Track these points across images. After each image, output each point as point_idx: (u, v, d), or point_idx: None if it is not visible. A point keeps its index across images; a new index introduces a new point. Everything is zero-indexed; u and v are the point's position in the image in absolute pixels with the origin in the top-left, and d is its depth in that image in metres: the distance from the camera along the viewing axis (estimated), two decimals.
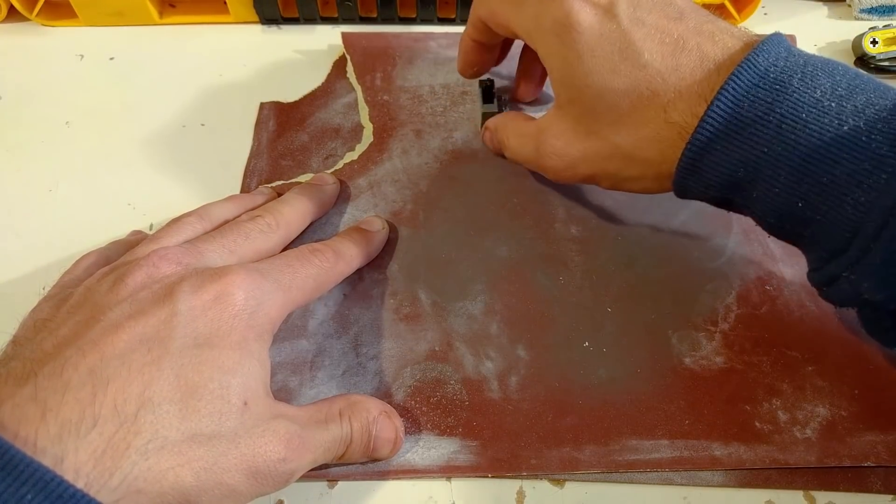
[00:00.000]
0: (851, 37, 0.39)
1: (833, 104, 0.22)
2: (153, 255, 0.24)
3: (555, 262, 0.31)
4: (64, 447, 0.18)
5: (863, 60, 0.38)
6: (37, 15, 0.39)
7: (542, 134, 0.29)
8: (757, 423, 0.27)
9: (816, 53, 0.38)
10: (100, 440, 0.19)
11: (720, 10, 0.40)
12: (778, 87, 0.23)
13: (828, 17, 0.41)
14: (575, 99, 0.27)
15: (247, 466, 0.21)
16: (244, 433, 0.21)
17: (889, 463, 0.26)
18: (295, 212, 0.30)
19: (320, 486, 0.26)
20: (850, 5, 0.41)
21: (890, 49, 0.38)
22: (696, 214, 0.32)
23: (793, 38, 0.39)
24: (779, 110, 0.22)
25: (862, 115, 0.22)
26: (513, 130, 0.32)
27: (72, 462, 0.18)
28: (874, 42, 0.38)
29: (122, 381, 0.20)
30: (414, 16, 0.40)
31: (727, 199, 0.25)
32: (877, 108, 0.22)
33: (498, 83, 0.37)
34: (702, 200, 0.26)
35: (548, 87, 0.37)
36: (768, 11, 0.41)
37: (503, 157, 0.34)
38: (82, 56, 0.39)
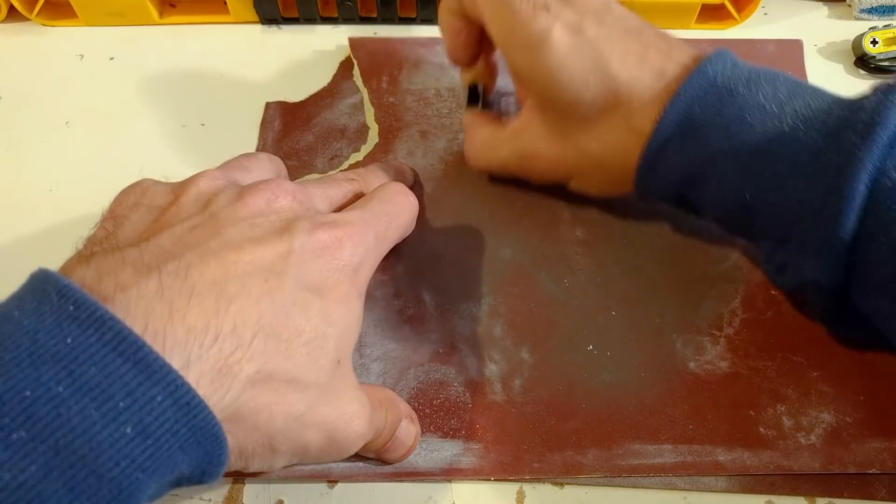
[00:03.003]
0: (851, 37, 0.39)
1: (774, 107, 0.24)
2: (272, 183, 0.23)
3: (559, 265, 0.31)
4: (189, 353, 0.18)
5: (863, 60, 0.38)
6: (37, 15, 0.38)
7: (521, 137, 0.30)
8: (761, 429, 0.27)
9: (816, 53, 0.39)
10: (219, 356, 0.18)
11: (720, 11, 0.40)
12: (725, 92, 0.25)
13: (828, 17, 0.41)
14: (546, 107, 0.28)
15: (329, 429, 0.21)
16: (333, 394, 0.21)
17: (894, 470, 0.26)
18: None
19: (320, 486, 0.26)
20: (850, 5, 0.41)
21: (890, 49, 0.37)
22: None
23: (799, 42, 0.39)
24: (726, 113, 0.25)
25: (800, 115, 0.24)
26: (483, 135, 0.32)
27: (195, 370, 0.18)
28: (874, 42, 0.38)
29: (243, 303, 0.19)
30: (414, 16, 0.40)
31: (683, 196, 0.27)
32: (813, 108, 0.24)
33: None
34: (661, 200, 0.28)
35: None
36: (768, 11, 0.41)
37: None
38: (82, 56, 0.39)
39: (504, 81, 0.36)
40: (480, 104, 0.34)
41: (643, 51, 0.26)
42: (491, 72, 0.35)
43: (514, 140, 0.30)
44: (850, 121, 0.23)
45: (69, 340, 0.16)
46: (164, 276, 0.19)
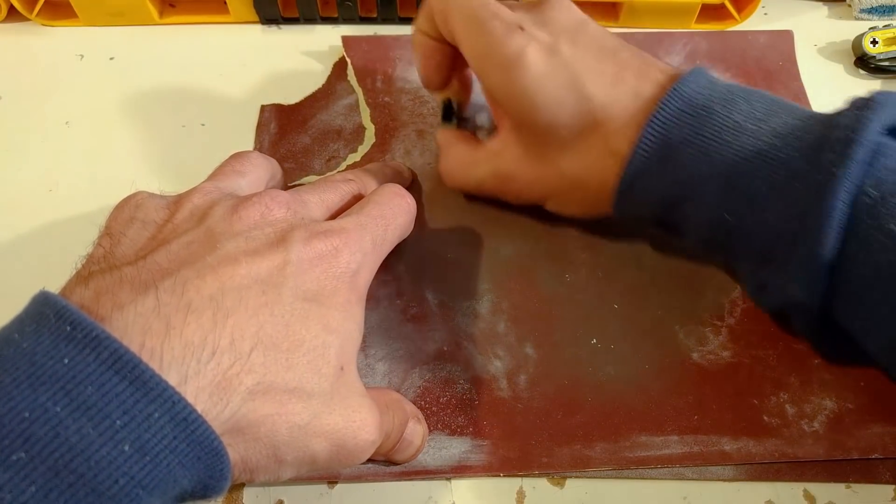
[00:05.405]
0: (851, 37, 0.39)
1: (751, 125, 0.24)
2: (265, 196, 0.23)
3: (560, 260, 0.31)
4: (187, 369, 0.18)
5: (863, 60, 0.38)
6: (37, 15, 0.38)
7: (498, 158, 0.30)
8: (765, 417, 0.27)
9: (816, 53, 0.40)
10: (217, 370, 0.18)
11: (720, 10, 0.40)
12: (702, 112, 0.25)
13: (828, 17, 0.42)
14: (523, 128, 0.28)
15: (337, 437, 0.21)
16: (339, 401, 0.21)
17: None
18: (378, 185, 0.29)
19: (320, 486, 0.26)
20: (850, 5, 0.41)
21: (890, 49, 0.38)
22: None
23: (790, 33, 0.40)
24: (703, 133, 0.24)
25: (777, 133, 0.24)
26: (459, 154, 0.31)
27: (193, 386, 0.18)
28: (874, 42, 0.38)
29: (240, 316, 0.19)
30: (414, 15, 0.40)
31: (662, 218, 0.27)
32: (791, 126, 0.24)
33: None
34: (640, 220, 0.28)
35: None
36: (768, 11, 0.41)
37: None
38: (82, 56, 0.39)
39: (478, 94, 0.35)
40: (455, 121, 0.34)
41: (619, 71, 0.26)
42: (465, 87, 0.34)
43: (491, 161, 0.30)
44: (827, 138, 0.22)
45: (66, 361, 0.16)
46: (161, 293, 0.19)
